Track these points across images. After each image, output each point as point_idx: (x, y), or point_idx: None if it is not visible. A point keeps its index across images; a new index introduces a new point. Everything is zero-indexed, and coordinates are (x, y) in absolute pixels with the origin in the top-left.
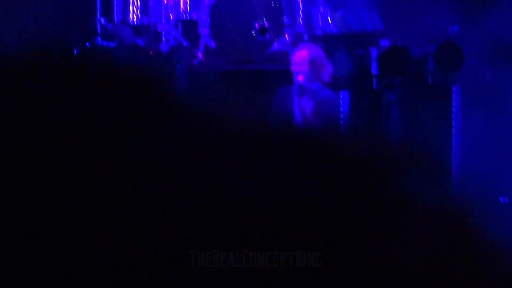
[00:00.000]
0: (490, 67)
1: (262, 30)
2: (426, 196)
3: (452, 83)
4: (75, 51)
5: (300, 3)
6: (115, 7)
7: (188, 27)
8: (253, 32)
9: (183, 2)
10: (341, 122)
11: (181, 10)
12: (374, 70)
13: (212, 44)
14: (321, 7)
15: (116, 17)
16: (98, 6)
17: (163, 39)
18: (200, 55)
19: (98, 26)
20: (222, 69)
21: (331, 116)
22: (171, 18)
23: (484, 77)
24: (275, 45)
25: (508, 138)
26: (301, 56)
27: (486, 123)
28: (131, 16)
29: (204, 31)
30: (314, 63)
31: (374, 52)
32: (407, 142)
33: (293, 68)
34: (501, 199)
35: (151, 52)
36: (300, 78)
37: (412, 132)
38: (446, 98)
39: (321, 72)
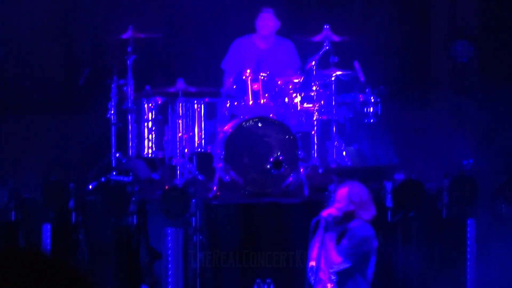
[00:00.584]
0: (505, 200)
1: (277, 164)
2: None
3: (467, 216)
4: (90, 186)
5: (315, 137)
6: (130, 142)
7: (203, 160)
8: (268, 165)
9: (198, 135)
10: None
11: (196, 143)
12: (389, 203)
13: (227, 178)
14: (336, 141)
15: (131, 151)
16: (113, 140)
17: (178, 173)
18: (215, 188)
19: (113, 160)
20: (237, 203)
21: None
22: (186, 152)
23: (500, 211)
24: (290, 179)
25: None
26: (341, 193)
27: (502, 257)
28: (146, 150)
29: (218, 164)
30: (354, 201)
31: (389, 186)
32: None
33: (334, 204)
34: None
35: (166, 186)
36: (335, 213)
37: (428, 266)
38: (461, 232)
39: (361, 211)
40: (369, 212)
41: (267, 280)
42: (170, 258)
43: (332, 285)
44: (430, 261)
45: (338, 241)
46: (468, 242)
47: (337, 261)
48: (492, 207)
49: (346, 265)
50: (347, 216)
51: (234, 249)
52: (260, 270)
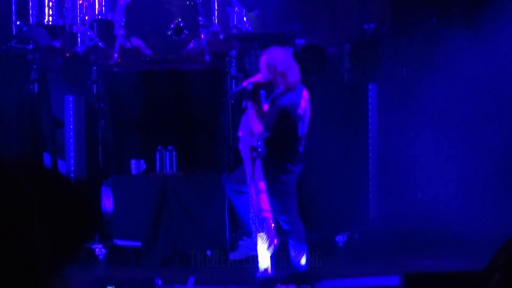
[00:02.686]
0: (406, 65)
1: (177, 30)
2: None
3: (368, 81)
4: None
5: (215, 3)
6: (30, 10)
7: (104, 27)
8: (169, 31)
9: (98, 2)
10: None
11: (97, 10)
12: None
13: (128, 45)
14: (236, 7)
15: (31, 19)
16: (14, 9)
17: (79, 40)
18: (116, 55)
19: (14, 28)
20: (138, 69)
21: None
22: (87, 19)
23: (400, 75)
24: (191, 45)
25: (424, 135)
26: (261, 62)
27: (402, 120)
28: (46, 18)
29: (119, 31)
30: (270, 70)
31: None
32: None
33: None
34: (418, 194)
35: (67, 53)
36: (256, 80)
37: (329, 131)
38: (363, 97)
39: (280, 79)
40: (288, 80)
41: (169, 147)
42: (71, 126)
43: (259, 150)
44: (332, 127)
45: (260, 109)
46: (370, 107)
47: (259, 130)
48: (393, 71)
49: (266, 134)
50: (268, 84)
51: (136, 116)
52: (162, 137)
